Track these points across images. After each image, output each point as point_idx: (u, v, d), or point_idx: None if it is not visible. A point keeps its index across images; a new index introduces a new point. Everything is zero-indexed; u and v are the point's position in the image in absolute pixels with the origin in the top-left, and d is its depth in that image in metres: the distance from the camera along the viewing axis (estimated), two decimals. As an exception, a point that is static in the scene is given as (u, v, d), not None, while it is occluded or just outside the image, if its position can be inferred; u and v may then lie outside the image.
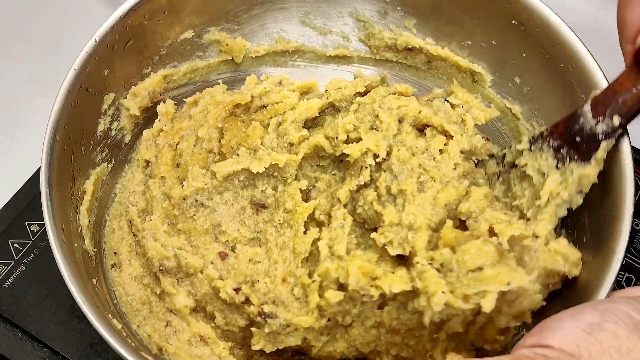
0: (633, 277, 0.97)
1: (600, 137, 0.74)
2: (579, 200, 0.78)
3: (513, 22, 0.89)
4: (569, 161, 0.77)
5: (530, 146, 0.82)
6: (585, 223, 0.83)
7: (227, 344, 0.82)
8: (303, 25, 1.04)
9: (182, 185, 0.88)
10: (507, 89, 0.95)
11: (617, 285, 0.96)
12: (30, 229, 1.02)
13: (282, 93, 0.95)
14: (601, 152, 0.74)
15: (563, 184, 0.77)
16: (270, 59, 1.06)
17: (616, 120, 0.72)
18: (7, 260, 0.99)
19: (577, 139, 0.76)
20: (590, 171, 0.75)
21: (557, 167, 0.78)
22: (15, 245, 1.01)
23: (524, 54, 0.91)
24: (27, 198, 1.04)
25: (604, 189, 0.79)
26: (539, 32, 0.87)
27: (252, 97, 0.95)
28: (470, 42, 0.96)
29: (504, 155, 0.87)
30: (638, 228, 1.01)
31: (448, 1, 0.94)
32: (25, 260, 1.00)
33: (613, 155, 0.76)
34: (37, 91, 1.22)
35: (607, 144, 0.74)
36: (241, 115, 0.95)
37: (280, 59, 1.06)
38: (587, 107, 0.75)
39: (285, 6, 1.01)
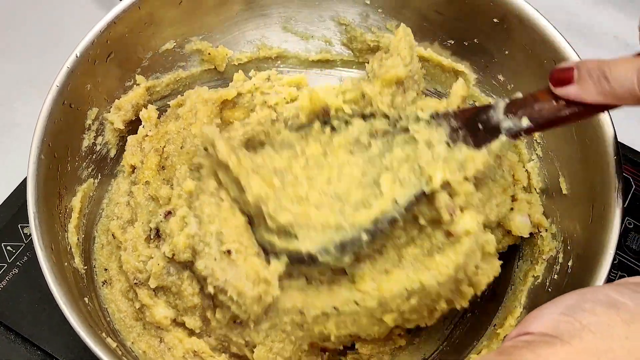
0: (626, 275, 0.98)
1: (502, 131, 0.72)
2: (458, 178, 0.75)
3: (495, 20, 0.89)
4: (462, 142, 0.75)
5: (431, 119, 0.79)
6: (575, 218, 0.83)
7: (224, 357, 0.82)
8: (285, 31, 1.04)
9: (171, 186, 0.87)
10: (492, 87, 0.96)
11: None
12: (23, 231, 1.02)
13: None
14: (496, 144, 0.73)
15: (446, 159, 0.75)
16: (254, 65, 1.05)
17: (525, 121, 0.71)
18: (1, 263, 0.99)
19: (479, 126, 0.74)
20: (477, 156, 0.73)
21: (447, 143, 0.76)
22: (9, 248, 1.00)
23: (506, 52, 0.91)
24: (19, 201, 1.04)
25: (592, 182, 0.80)
26: (521, 29, 0.87)
27: (239, 93, 0.95)
28: (452, 42, 0.96)
29: (399, 119, 0.82)
30: (631, 227, 1.01)
31: (428, 2, 0.94)
32: (18, 263, 0.99)
33: (601, 148, 0.77)
34: (31, 92, 1.21)
35: (506, 141, 0.72)
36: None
37: (264, 66, 1.06)
38: (502, 104, 0.73)
39: (266, 13, 1.01)
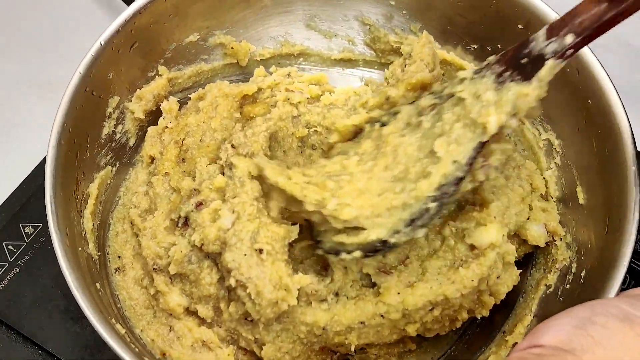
0: (628, 276, 0.97)
1: (547, 56, 0.69)
2: (511, 124, 0.72)
3: (519, 26, 0.88)
4: (510, 82, 0.71)
5: (473, 75, 0.76)
6: (590, 229, 0.83)
7: (232, 349, 0.82)
8: (308, 29, 1.04)
9: (193, 178, 0.88)
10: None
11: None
12: (24, 230, 1.02)
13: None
14: (545, 71, 0.69)
15: (497, 103, 0.71)
16: (275, 62, 1.05)
17: (569, 38, 0.67)
18: (2, 262, 0.99)
19: (524, 60, 0.71)
20: (528, 90, 0.69)
21: (495, 89, 0.72)
22: (10, 247, 1.01)
23: (530, 59, 0.90)
24: (21, 200, 1.04)
25: (609, 193, 0.79)
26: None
27: (260, 88, 0.96)
28: (475, 47, 0.96)
29: (443, 89, 0.80)
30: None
31: (453, 6, 0.94)
32: (19, 262, 1.00)
33: (619, 159, 0.77)
34: (32, 93, 1.22)
35: (554, 64, 0.69)
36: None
37: (285, 62, 1.06)
38: (541, 32, 0.70)
39: (291, 9, 1.01)
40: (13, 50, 1.27)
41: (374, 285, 0.83)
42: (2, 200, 1.05)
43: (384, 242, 0.76)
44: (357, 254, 0.77)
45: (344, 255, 0.78)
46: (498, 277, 0.80)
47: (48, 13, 1.32)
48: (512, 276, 0.82)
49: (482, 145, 0.73)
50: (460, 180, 0.74)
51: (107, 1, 1.30)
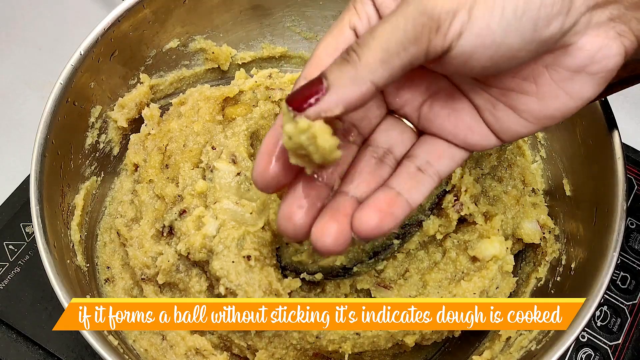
0: (628, 275, 0.97)
1: None
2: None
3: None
4: None
5: None
6: (578, 220, 0.83)
7: (225, 356, 0.82)
8: (289, 31, 1.04)
9: (176, 184, 0.88)
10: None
11: (612, 284, 0.96)
12: (25, 230, 1.02)
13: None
14: None
15: None
16: (257, 65, 1.05)
17: None
18: (2, 262, 0.99)
19: None
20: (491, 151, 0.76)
21: None
22: (10, 247, 1.00)
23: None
24: (21, 199, 1.04)
25: (596, 184, 0.80)
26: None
27: (241, 91, 0.96)
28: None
29: None
30: (633, 227, 1.01)
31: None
32: (20, 262, 0.99)
33: (604, 150, 0.77)
34: (32, 93, 1.21)
35: None
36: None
37: (267, 65, 1.06)
38: None
39: (271, 12, 1.01)
40: (14, 50, 1.27)
41: (370, 295, 0.83)
42: (3, 200, 1.05)
43: (346, 270, 0.79)
44: (319, 275, 0.80)
45: (303, 275, 0.80)
46: (497, 288, 0.80)
47: (49, 13, 1.32)
48: (509, 284, 0.83)
49: (445, 194, 0.79)
50: (421, 222, 0.79)
51: (109, 1, 1.30)
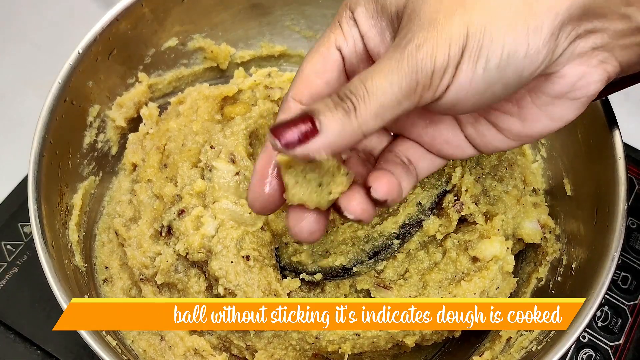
0: (629, 276, 0.97)
1: None
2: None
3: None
4: None
5: None
6: (579, 220, 0.83)
7: (224, 356, 0.81)
8: (288, 30, 1.03)
9: (175, 184, 0.87)
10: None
11: (613, 284, 0.96)
12: (23, 230, 1.01)
13: None
14: None
15: None
16: (256, 63, 1.05)
17: None
18: (0, 262, 0.98)
19: None
20: None
21: None
22: (8, 246, 1.00)
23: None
24: (19, 199, 1.03)
25: (597, 183, 0.79)
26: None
27: (240, 89, 0.96)
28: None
29: None
30: (634, 227, 1.01)
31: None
32: (18, 262, 0.99)
33: (605, 149, 0.77)
34: (30, 92, 1.21)
35: None
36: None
37: (266, 64, 1.05)
38: None
39: (270, 11, 1.00)
40: (14, 49, 1.26)
41: (369, 296, 0.82)
42: (1, 199, 1.04)
43: (346, 270, 0.79)
44: (318, 276, 0.80)
45: (303, 275, 0.80)
46: (497, 288, 0.80)
47: (49, 12, 1.31)
48: (509, 284, 0.83)
49: (445, 193, 0.79)
50: (421, 222, 0.80)
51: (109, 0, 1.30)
